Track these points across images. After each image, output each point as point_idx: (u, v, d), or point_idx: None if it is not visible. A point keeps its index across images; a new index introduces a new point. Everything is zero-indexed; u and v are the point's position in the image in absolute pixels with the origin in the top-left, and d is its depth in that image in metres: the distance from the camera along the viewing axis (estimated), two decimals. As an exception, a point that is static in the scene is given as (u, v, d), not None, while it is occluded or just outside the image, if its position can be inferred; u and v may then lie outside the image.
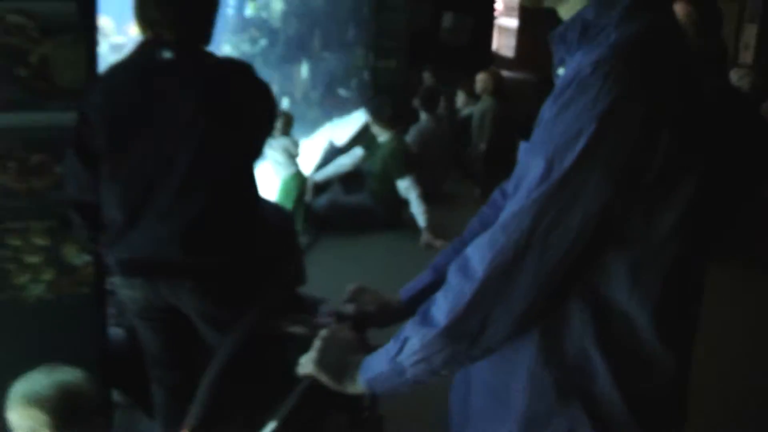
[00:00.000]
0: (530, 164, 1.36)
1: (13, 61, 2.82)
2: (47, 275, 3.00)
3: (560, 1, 1.49)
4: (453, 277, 1.43)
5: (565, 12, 1.48)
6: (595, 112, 1.29)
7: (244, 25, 7.29)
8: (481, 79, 8.88)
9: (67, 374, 2.44)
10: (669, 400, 1.50)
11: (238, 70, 2.83)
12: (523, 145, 1.47)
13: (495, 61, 12.15)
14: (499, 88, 8.82)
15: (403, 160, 6.94)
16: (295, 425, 1.67)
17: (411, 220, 6.85)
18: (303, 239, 6.06)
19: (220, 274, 2.78)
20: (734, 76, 6.14)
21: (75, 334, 3.05)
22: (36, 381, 2.41)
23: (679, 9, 3.08)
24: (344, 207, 7.11)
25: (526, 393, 1.50)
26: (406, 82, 9.73)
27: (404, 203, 6.94)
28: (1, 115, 2.85)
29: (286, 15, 8.08)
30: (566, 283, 1.39)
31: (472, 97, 9.19)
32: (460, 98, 9.45)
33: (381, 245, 6.64)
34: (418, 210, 6.73)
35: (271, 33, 7.77)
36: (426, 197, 6.82)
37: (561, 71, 1.46)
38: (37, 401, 2.35)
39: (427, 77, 9.59)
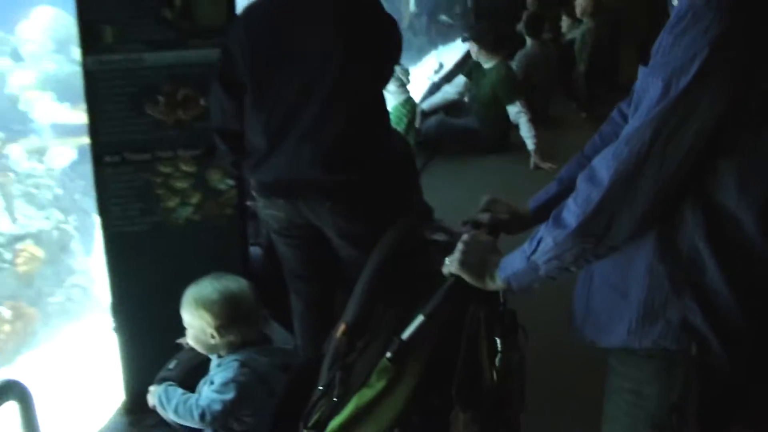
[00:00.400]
0: (650, 85, 1.50)
1: (159, 4, 2.98)
2: (194, 199, 3.20)
3: None
4: (582, 184, 1.58)
5: None
6: (708, 39, 1.42)
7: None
8: (580, 3, 8.81)
9: (231, 281, 2.65)
10: None
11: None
12: (641, 69, 1.59)
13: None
14: (597, 9, 8.73)
15: (513, 86, 6.97)
16: (440, 319, 1.82)
17: (518, 143, 6.89)
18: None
19: (357, 192, 2.90)
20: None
21: (220, 251, 3.22)
22: (205, 286, 2.62)
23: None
24: (452, 127, 7.18)
25: (644, 286, 1.64)
26: (509, 8, 9.67)
27: (511, 127, 6.97)
28: (149, 54, 3.03)
29: (388, -57, 8.09)
30: (681, 188, 1.54)
31: (576, 20, 9.13)
32: (565, 22, 9.37)
33: (491, 167, 6.68)
34: (528, 134, 6.78)
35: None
36: (534, 121, 6.86)
37: (676, 1, 1.55)
38: (205, 303, 2.58)
39: (530, 2, 9.52)
